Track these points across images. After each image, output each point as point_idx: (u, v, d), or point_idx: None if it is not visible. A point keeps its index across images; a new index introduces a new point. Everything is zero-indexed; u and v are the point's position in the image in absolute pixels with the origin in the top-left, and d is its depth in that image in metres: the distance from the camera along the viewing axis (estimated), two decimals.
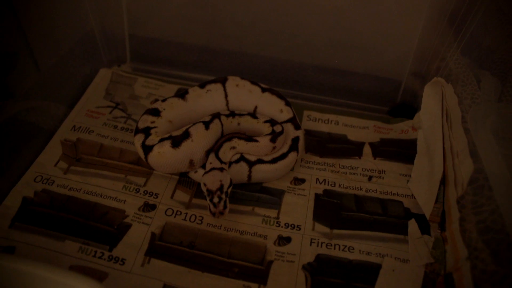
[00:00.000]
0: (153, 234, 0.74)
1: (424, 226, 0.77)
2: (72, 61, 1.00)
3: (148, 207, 0.78)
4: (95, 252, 0.71)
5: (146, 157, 0.79)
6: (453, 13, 0.87)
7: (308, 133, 0.93)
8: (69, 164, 0.84)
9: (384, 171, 0.87)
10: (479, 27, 0.83)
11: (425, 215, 0.78)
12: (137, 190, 0.80)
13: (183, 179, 0.83)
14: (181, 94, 0.88)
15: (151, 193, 0.80)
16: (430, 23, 0.90)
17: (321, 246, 0.74)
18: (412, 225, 0.77)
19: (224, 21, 1.02)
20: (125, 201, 0.79)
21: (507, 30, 0.80)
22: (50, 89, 0.95)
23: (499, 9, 0.81)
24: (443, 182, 0.79)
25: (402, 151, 0.90)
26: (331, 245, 0.75)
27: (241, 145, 0.80)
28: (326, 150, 0.91)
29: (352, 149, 0.91)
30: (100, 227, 0.74)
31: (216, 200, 0.71)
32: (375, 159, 0.89)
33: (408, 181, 0.85)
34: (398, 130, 0.95)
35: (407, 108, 1.00)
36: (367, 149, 0.91)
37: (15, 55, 0.88)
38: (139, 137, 0.80)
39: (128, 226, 0.75)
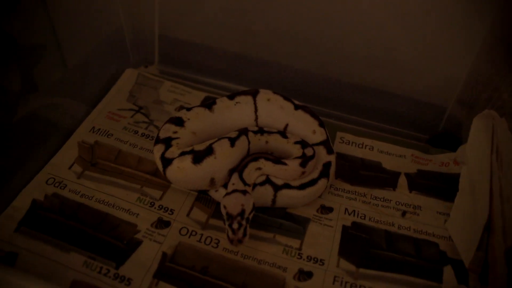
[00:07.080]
0: (164, 254, 0.69)
1: (462, 274, 0.69)
2: (99, 59, 0.96)
3: (162, 223, 0.73)
4: (101, 268, 0.66)
5: (164, 170, 0.73)
6: None
7: (340, 156, 0.86)
8: (84, 168, 0.79)
9: (420, 206, 0.79)
10: None
11: (463, 261, 0.70)
12: (152, 203, 0.75)
13: (202, 196, 0.77)
14: (208, 104, 0.83)
15: (166, 209, 0.75)
16: (485, 49, 0.82)
17: (345, 286, 0.68)
18: (448, 272, 0.70)
19: (259, 29, 0.97)
20: (138, 214, 0.74)
21: None
22: (75, 87, 0.92)
23: None
24: (488, 228, 0.71)
25: (441, 186, 0.82)
26: (356, 286, 0.68)
27: (267, 167, 0.74)
28: (358, 177, 0.83)
29: (386, 179, 0.84)
30: (108, 241, 0.70)
31: (235, 226, 0.65)
32: (410, 192, 0.82)
33: (446, 220, 0.77)
34: (438, 162, 0.87)
35: (449, 138, 0.92)
36: (402, 180, 0.84)
37: (43, 48, 0.85)
38: (159, 148, 0.75)
39: (139, 242, 0.70)
